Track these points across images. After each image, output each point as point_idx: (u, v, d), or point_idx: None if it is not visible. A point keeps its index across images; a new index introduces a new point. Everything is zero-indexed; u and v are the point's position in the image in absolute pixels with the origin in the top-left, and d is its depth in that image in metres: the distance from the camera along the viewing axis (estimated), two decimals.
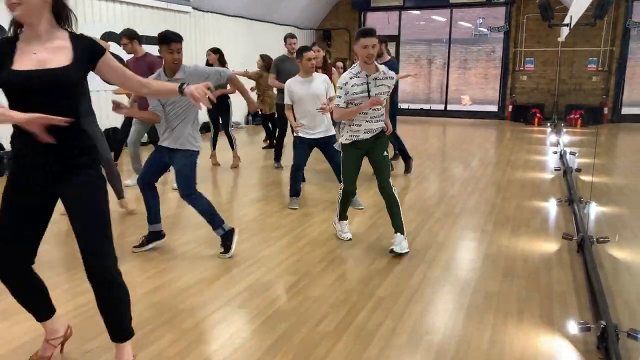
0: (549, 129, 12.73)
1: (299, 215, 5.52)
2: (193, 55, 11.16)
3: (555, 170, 7.65)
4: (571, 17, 9.56)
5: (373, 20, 17.18)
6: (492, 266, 4.08)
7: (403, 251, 4.26)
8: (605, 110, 14.01)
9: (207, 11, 11.90)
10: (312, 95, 5.45)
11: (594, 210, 5.35)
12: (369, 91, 4.14)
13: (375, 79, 4.15)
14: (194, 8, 11.41)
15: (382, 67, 4.23)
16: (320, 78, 5.57)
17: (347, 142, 4.34)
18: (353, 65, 4.28)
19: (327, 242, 4.64)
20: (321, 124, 5.56)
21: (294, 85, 5.53)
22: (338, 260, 4.22)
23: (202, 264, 4.10)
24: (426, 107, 17.56)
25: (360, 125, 4.26)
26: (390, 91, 4.34)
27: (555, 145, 10.10)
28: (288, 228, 5.07)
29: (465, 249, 4.52)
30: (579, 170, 7.36)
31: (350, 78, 4.15)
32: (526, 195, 6.30)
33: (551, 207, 5.82)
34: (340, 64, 8.31)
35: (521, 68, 15.16)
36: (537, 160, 8.68)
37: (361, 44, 3.98)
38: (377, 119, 4.28)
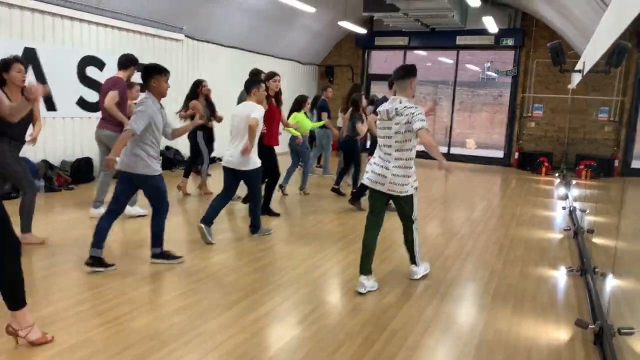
0: (557, 180, 12.00)
1: (313, 246, 5.71)
2: (185, 84, 10.51)
3: (565, 230, 6.87)
4: (584, 63, 8.94)
5: (377, 58, 16.72)
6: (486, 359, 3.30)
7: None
8: (616, 163, 13.28)
9: (201, 40, 11.39)
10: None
11: (612, 284, 4.58)
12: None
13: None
14: (186, 36, 10.89)
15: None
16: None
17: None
18: (398, 99, 4.31)
19: (341, 273, 4.85)
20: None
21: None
22: (352, 292, 4.36)
23: (223, 289, 4.25)
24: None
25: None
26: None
27: (563, 199, 9.34)
28: (302, 258, 5.26)
29: (451, 336, 3.68)
30: (590, 231, 6.58)
31: None
32: (532, 260, 5.51)
33: (560, 277, 5.03)
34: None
35: (529, 114, 14.53)
36: (544, 217, 7.91)
37: (416, 78, 4.32)
38: None
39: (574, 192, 9.60)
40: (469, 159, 15.61)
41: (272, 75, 6.77)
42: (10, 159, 4.86)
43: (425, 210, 7.81)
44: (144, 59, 9.97)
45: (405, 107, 4.20)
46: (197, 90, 7.94)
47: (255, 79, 5.91)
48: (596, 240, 6.42)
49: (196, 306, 3.88)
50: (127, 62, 6.44)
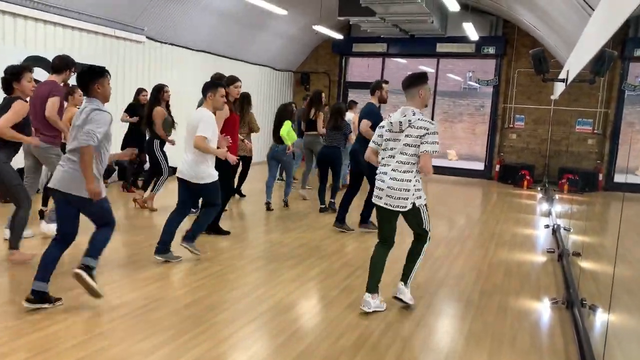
0: (539, 194, 11.47)
1: (309, 247, 5.92)
2: (147, 89, 9.84)
3: (548, 252, 6.27)
4: (568, 71, 8.43)
5: (355, 66, 16.16)
6: None
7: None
8: (600, 176, 12.82)
9: (164, 42, 10.69)
10: None
11: (602, 320, 3.98)
12: None
13: None
14: (148, 38, 10.18)
15: None
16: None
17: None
18: (411, 110, 3.99)
19: (338, 272, 5.06)
20: None
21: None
22: (349, 289, 4.59)
23: (143, 331, 3.66)
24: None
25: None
26: None
27: (546, 216, 8.79)
28: (300, 258, 5.47)
29: None
30: (577, 254, 6.00)
31: None
32: (512, 290, 4.89)
33: (544, 311, 4.42)
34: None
35: (511, 125, 14.05)
36: (525, 236, 7.33)
37: (429, 86, 4.10)
38: None
39: (557, 207, 9.06)
40: (449, 171, 15.05)
41: (233, 80, 6.12)
42: (9, 169, 4.73)
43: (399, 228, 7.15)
44: (99, 63, 9.27)
45: (418, 119, 3.92)
46: (159, 95, 7.25)
47: (213, 82, 5.22)
48: (583, 264, 5.85)
49: (101, 356, 3.19)
50: (62, 64, 5.62)
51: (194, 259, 5.17)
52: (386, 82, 6.39)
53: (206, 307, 3.98)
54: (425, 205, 4.12)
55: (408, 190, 3.94)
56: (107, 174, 9.25)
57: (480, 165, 15.11)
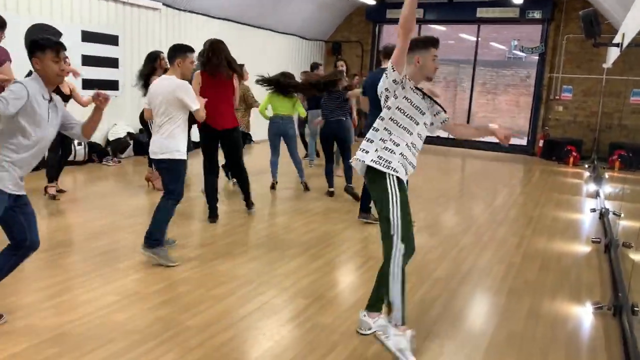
0: (586, 173, 10.49)
1: (319, 233, 5.36)
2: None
3: (594, 241, 5.48)
4: (623, 35, 7.43)
5: (390, 34, 15.24)
6: None
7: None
8: None
9: (183, 10, 10.13)
10: None
11: None
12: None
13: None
14: (165, 5, 9.65)
15: None
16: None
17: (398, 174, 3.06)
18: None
19: (345, 264, 4.42)
20: None
21: None
22: (357, 284, 4.06)
23: (217, 278, 3.95)
24: (444, 134, 15.34)
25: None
26: None
27: (593, 198, 7.90)
28: (306, 246, 4.88)
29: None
30: (628, 245, 5.20)
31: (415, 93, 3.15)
32: (547, 289, 4.18)
33: (585, 318, 3.70)
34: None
35: (557, 97, 12.94)
36: (568, 221, 6.51)
37: (432, 54, 3.19)
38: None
39: (606, 188, 8.14)
40: (488, 147, 14.10)
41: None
42: None
43: (425, 209, 6.48)
44: (112, 32, 8.82)
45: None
46: (155, 64, 6.66)
47: (182, 46, 4.42)
48: (637, 258, 5.05)
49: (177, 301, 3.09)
50: None
51: (187, 245, 4.67)
52: None
53: (182, 306, 3.46)
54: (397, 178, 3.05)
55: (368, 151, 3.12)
56: (122, 149, 8.88)
57: (522, 141, 14.09)
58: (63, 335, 3.01)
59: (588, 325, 3.59)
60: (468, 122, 14.73)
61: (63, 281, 3.77)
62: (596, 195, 7.97)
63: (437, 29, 16.70)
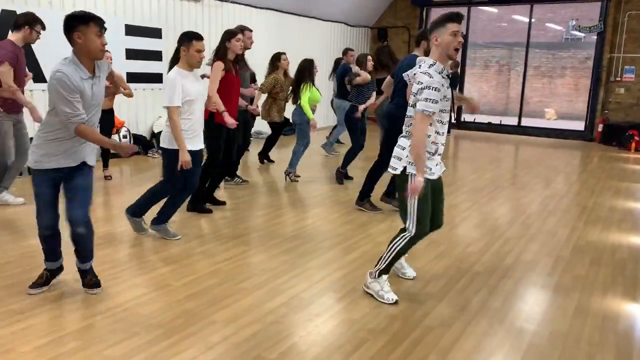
0: None
1: (355, 225, 5.20)
2: (208, 52, 9.39)
3: None
4: None
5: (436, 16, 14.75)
6: None
7: None
8: None
9: (225, 1, 10.12)
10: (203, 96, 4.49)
11: None
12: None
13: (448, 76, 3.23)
14: None
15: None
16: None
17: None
18: (424, 60, 3.25)
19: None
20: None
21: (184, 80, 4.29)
22: (390, 279, 3.63)
23: (247, 271, 3.94)
24: (495, 121, 14.79)
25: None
26: None
27: None
28: (341, 238, 4.80)
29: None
30: None
31: (443, 77, 3.16)
32: (599, 284, 3.87)
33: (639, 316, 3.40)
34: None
35: (618, 78, 12.17)
36: (626, 211, 6.07)
37: (450, 30, 3.11)
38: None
39: None
40: (544, 133, 13.49)
41: (233, 33, 5.13)
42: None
43: (470, 199, 6.21)
44: (153, 26, 8.91)
45: (421, 72, 3.18)
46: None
47: (186, 34, 4.28)
48: None
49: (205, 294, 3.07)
50: (21, 22, 5.08)
51: (222, 237, 4.63)
52: None
53: (208, 301, 3.40)
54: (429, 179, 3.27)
55: (401, 158, 3.33)
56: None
57: (580, 125, 13.39)
58: (88, 328, 3.00)
59: None
60: (521, 107, 14.07)
61: (73, 291, 3.54)
62: None
63: (487, 11, 16.08)
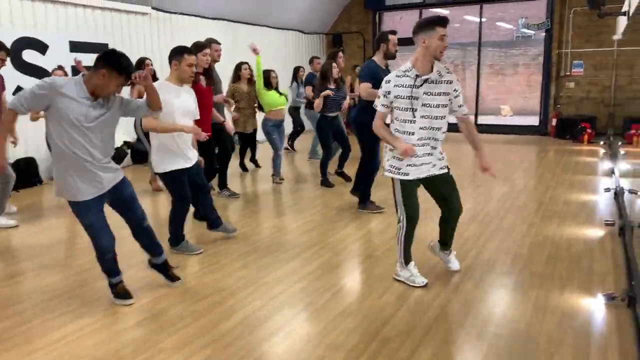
0: (602, 150, 10.06)
1: (315, 234, 5.13)
2: (158, 66, 9.19)
3: (607, 224, 5.15)
4: (630, 2, 7.02)
5: (392, 21, 14.88)
6: None
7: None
8: None
9: (174, 12, 9.93)
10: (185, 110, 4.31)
11: None
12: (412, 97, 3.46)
13: (428, 81, 3.44)
14: (154, 8, 9.46)
15: (440, 66, 3.50)
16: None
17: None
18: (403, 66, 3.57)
19: (339, 266, 4.20)
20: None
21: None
22: (346, 289, 3.81)
23: (196, 294, 3.78)
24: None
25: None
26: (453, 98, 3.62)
27: (609, 176, 7.52)
28: (300, 249, 4.69)
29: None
30: None
31: (397, 77, 3.51)
32: (556, 280, 3.88)
33: (597, 311, 3.39)
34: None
35: (567, 73, 12.47)
36: (581, 203, 6.17)
37: (440, 33, 3.33)
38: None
39: (622, 165, 7.74)
40: (500, 130, 13.71)
41: (202, 46, 5.25)
42: None
43: (428, 200, 6.20)
44: (101, 40, 8.65)
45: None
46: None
47: (178, 49, 4.37)
48: None
49: None
50: None
51: (173, 257, 4.46)
52: (393, 33, 5.37)
53: (159, 326, 3.25)
54: (402, 180, 3.66)
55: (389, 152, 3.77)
56: (120, 158, 8.74)
57: (535, 121, 13.66)
58: None
59: (599, 319, 3.29)
60: (477, 105, 14.28)
61: (22, 321, 3.37)
62: (611, 173, 7.58)
63: (440, 13, 16.30)
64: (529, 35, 19.23)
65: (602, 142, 10.69)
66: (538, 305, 3.46)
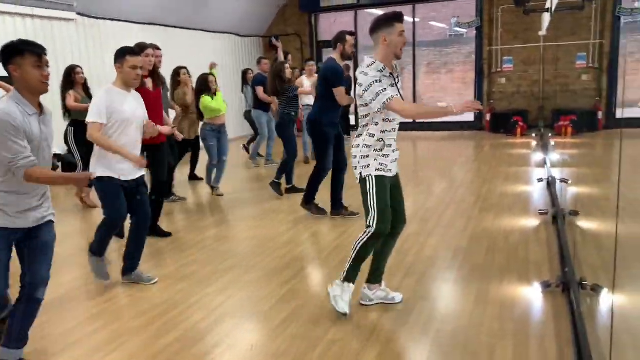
0: (534, 142, 10.44)
1: (256, 241, 4.98)
2: (87, 73, 8.77)
3: (541, 213, 5.30)
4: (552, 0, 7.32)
5: (328, 23, 14.93)
6: None
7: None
8: (600, 115, 11.74)
9: (100, 18, 9.55)
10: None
11: (607, 305, 3.10)
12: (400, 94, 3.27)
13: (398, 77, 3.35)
14: (79, 14, 9.06)
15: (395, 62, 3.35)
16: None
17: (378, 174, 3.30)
18: (364, 63, 3.24)
19: (283, 272, 4.12)
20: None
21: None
22: (291, 295, 3.70)
23: (132, 310, 3.61)
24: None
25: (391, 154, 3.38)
26: None
27: (541, 167, 7.79)
28: (240, 257, 4.55)
29: None
30: (574, 213, 5.05)
31: (384, 76, 3.19)
32: (495, 272, 3.94)
33: (535, 300, 3.46)
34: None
35: (499, 69, 12.90)
36: (516, 195, 6.35)
37: (399, 29, 3.19)
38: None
39: (553, 156, 8.05)
40: (436, 127, 14.00)
41: (144, 47, 4.99)
42: None
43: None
44: None
45: (360, 72, 3.24)
46: (70, 78, 6.30)
47: (121, 50, 4.00)
48: (584, 225, 4.91)
49: None
50: None
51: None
52: (351, 34, 5.33)
53: (93, 347, 3.06)
54: (377, 176, 3.29)
55: (355, 157, 3.33)
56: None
57: (470, 116, 14.03)
58: None
59: (537, 308, 3.36)
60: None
61: None
62: (544, 163, 7.86)
63: (374, 14, 16.50)
64: (461, 33, 19.80)
65: (533, 135, 11.11)
66: (479, 298, 3.50)
